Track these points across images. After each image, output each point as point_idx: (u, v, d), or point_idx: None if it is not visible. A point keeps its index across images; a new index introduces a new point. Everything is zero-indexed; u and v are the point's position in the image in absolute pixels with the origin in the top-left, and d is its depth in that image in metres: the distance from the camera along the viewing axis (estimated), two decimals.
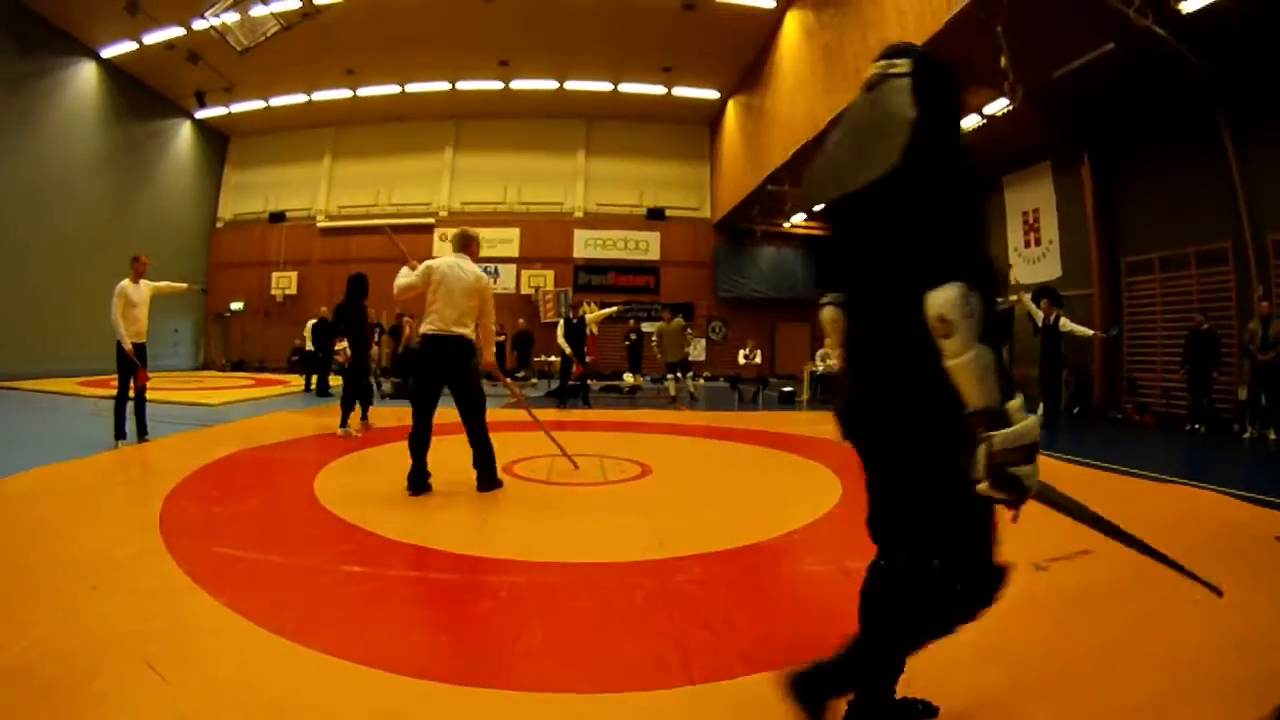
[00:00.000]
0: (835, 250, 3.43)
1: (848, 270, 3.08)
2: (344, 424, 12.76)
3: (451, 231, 32.27)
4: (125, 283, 10.94)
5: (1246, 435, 13.67)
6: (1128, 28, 12.34)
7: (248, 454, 10.10)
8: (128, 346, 10.76)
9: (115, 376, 10.98)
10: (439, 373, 7.96)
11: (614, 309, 23.16)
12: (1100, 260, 18.06)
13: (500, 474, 8.62)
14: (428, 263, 8.10)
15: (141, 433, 11.16)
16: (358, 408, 13.59)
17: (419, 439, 7.87)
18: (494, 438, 8.34)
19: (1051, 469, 9.94)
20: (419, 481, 7.81)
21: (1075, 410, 17.68)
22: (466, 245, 8.37)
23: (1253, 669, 3.78)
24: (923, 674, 3.64)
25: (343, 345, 14.75)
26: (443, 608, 4.72)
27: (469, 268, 8.12)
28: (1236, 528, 6.41)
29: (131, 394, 11.00)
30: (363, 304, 13.47)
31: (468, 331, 7.95)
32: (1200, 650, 3.95)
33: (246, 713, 3.20)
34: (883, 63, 2.86)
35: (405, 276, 8.16)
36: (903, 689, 3.28)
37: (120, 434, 10.75)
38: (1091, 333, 15.50)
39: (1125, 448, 12.94)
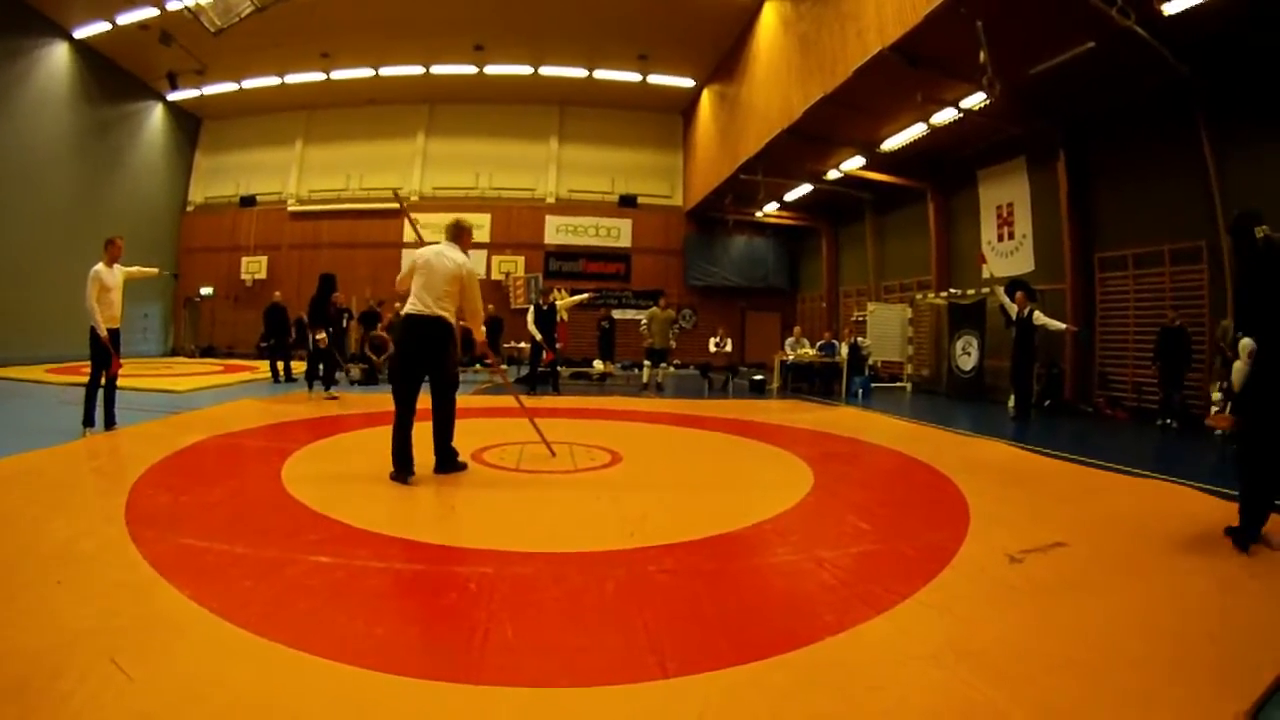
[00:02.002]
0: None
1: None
2: (310, 386, 16.58)
3: (422, 216, 32.23)
4: (100, 266, 10.61)
5: (1217, 432, 13.71)
6: (1109, 27, 12.37)
7: (215, 441, 9.95)
8: (102, 332, 10.46)
9: (84, 363, 10.74)
10: (417, 351, 7.99)
11: (584, 296, 23.21)
12: (1073, 255, 18.11)
13: (469, 461, 8.63)
14: (414, 253, 8.24)
15: (109, 422, 10.83)
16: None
17: (402, 424, 7.86)
18: (464, 424, 8.29)
19: (1021, 460, 10.00)
20: (404, 466, 7.78)
21: (1047, 403, 17.76)
22: (458, 235, 8.44)
23: (1228, 660, 3.79)
24: (897, 668, 3.63)
25: (322, 335, 16.38)
26: (411, 599, 4.63)
27: (454, 255, 8.17)
28: (1204, 521, 6.41)
29: (103, 381, 10.73)
30: (333, 299, 14.58)
31: (446, 314, 7.98)
32: (1175, 643, 3.95)
33: (212, 710, 3.10)
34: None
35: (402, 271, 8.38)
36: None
37: (89, 421, 10.49)
38: (1064, 326, 15.48)
39: (1096, 441, 13.00)
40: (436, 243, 8.32)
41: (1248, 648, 3.91)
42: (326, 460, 9.12)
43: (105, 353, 10.55)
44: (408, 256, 8.31)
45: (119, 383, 11.31)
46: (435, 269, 8.00)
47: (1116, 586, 4.83)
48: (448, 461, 8.22)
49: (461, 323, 8.55)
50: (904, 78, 16.45)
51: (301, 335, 20.05)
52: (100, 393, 10.75)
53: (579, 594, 4.61)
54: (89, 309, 10.42)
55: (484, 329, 8.89)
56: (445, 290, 7.99)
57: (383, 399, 12.00)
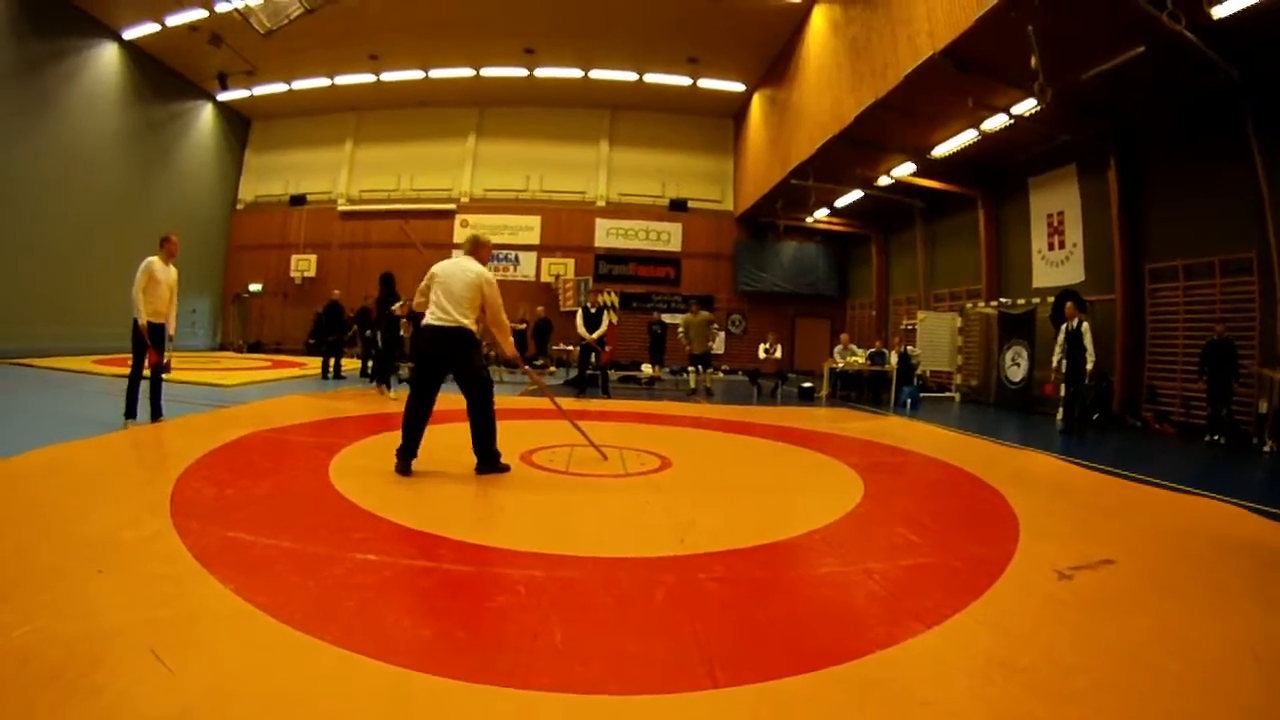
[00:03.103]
0: None
1: None
2: (383, 385, 16.72)
3: (472, 218, 32.38)
4: (154, 259, 10.67)
5: (1266, 449, 13.48)
6: (1159, 31, 12.21)
7: (262, 436, 9.99)
8: (142, 323, 10.48)
9: (144, 353, 10.68)
10: (435, 358, 8.25)
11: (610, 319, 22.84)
12: (1124, 266, 17.83)
13: (518, 463, 8.71)
14: (431, 269, 8.46)
15: (155, 414, 10.83)
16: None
17: (410, 422, 8.12)
18: (513, 425, 8.29)
19: (1070, 474, 9.88)
20: (404, 458, 8.05)
21: (1095, 416, 17.50)
22: (475, 249, 8.68)
23: (1273, 680, 3.76)
24: (947, 683, 3.57)
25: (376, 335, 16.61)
26: (459, 600, 4.55)
27: (472, 266, 8.38)
28: (1249, 541, 6.33)
29: (147, 373, 10.73)
30: (394, 297, 14.89)
31: (467, 322, 8.16)
32: (1221, 665, 3.90)
33: (252, 706, 3.10)
34: None
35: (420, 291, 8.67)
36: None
37: (131, 413, 10.50)
38: (1092, 362, 15.22)
39: (1144, 456, 12.81)
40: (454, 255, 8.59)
41: None
42: (375, 458, 9.11)
43: (143, 346, 10.57)
44: (458, 256, 8.43)
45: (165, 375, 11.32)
46: (455, 278, 8.20)
47: (1163, 606, 4.78)
48: (488, 462, 8.33)
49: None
50: (955, 83, 16.30)
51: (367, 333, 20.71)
52: (145, 385, 10.78)
53: (629, 600, 4.59)
54: (134, 297, 10.47)
55: (511, 340, 8.90)
56: (466, 298, 8.17)
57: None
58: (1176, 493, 8.77)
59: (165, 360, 11.01)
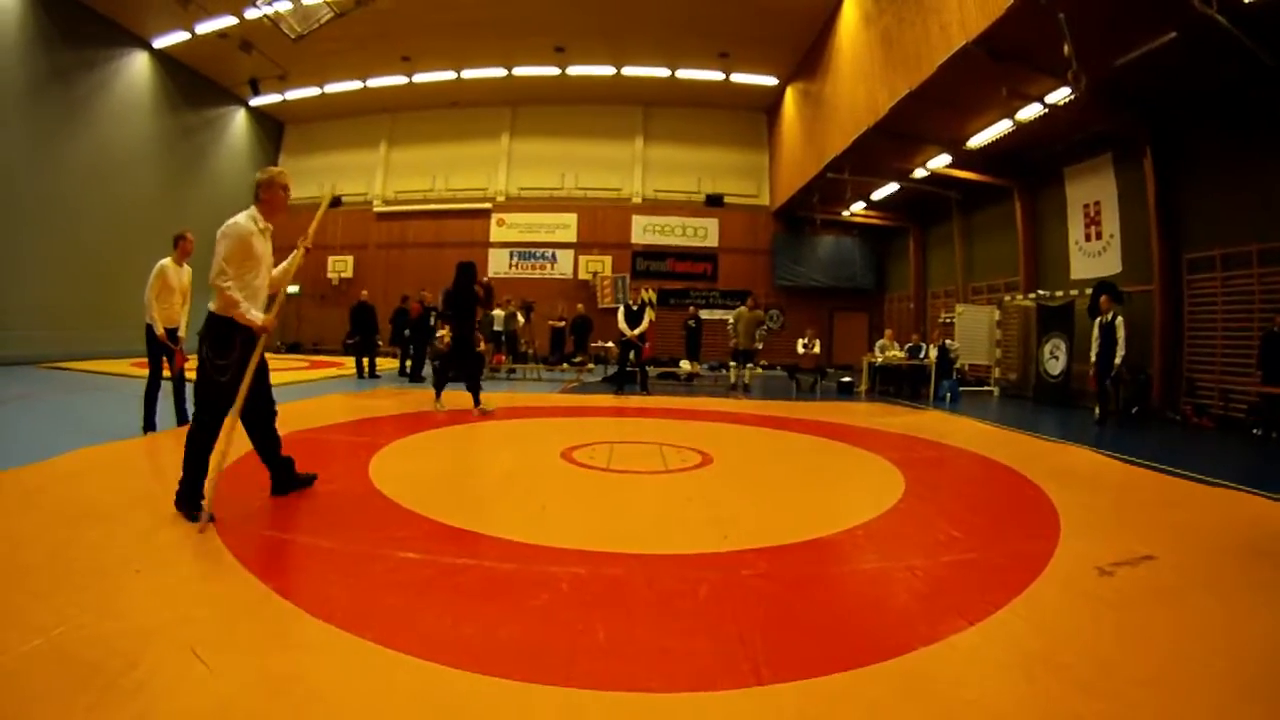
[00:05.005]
0: None
1: None
2: (477, 402, 13.70)
3: (509, 217, 32.46)
4: (166, 262, 10.18)
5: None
6: (1190, 15, 12.07)
7: (301, 435, 9.98)
8: (159, 330, 10.07)
9: (161, 360, 10.32)
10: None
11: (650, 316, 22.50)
12: (1161, 256, 17.60)
13: (558, 460, 8.74)
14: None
15: (181, 419, 10.18)
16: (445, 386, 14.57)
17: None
18: (553, 423, 8.20)
19: (1110, 468, 9.81)
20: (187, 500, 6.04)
21: (1133, 410, 17.33)
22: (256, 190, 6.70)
23: None
24: (989, 680, 3.56)
25: (444, 331, 15.34)
26: (501, 599, 4.52)
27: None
28: None
29: (169, 375, 10.38)
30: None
31: (212, 302, 6.19)
32: (1261, 662, 3.89)
33: (293, 704, 3.15)
34: None
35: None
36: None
37: (149, 425, 10.16)
38: (1121, 356, 15.14)
39: (1182, 450, 12.64)
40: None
41: None
42: (414, 457, 9.21)
43: (161, 352, 10.24)
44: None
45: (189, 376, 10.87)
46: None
47: (1204, 602, 4.76)
48: (285, 478, 6.87)
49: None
50: (988, 72, 16.20)
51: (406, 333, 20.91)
52: (170, 389, 10.43)
53: (671, 597, 4.61)
54: (146, 304, 10.04)
55: (233, 301, 6.11)
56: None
57: (470, 397, 12.15)
58: (1217, 488, 8.69)
59: (177, 365, 10.48)
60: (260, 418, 6.70)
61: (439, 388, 14.53)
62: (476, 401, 13.61)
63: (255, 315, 6.25)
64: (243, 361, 6.22)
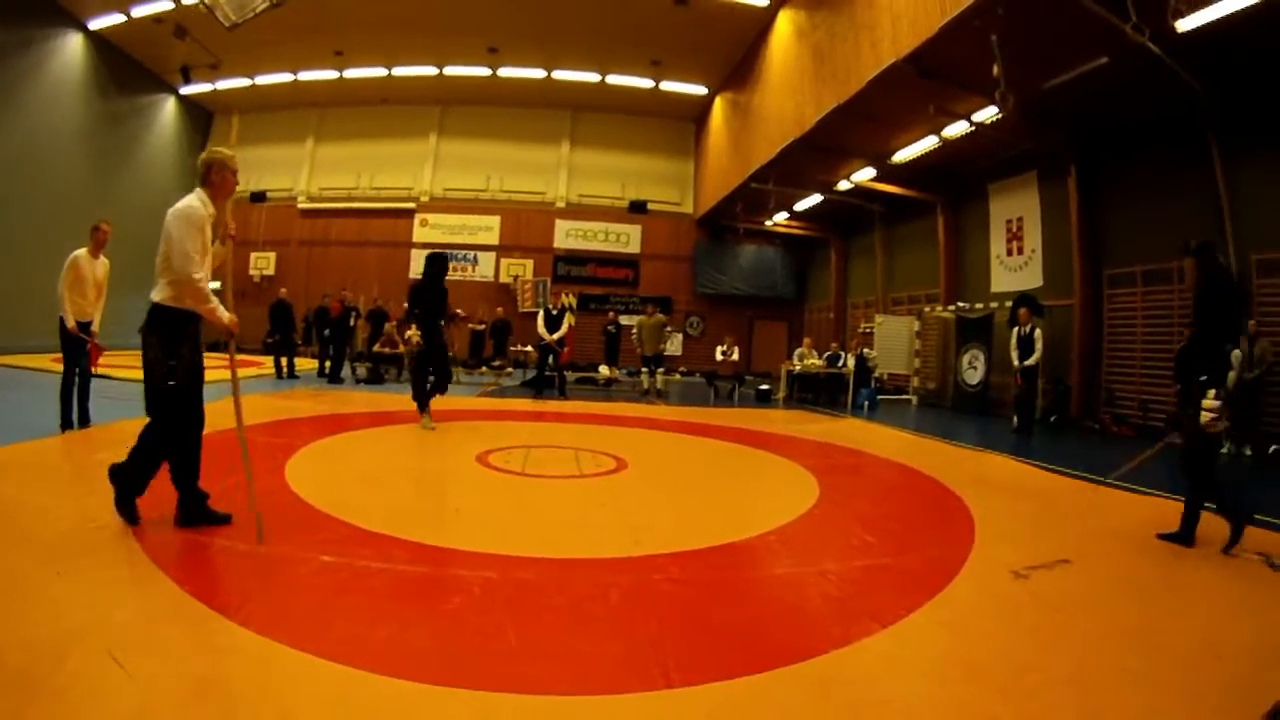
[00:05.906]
0: None
1: None
2: (423, 410, 12.19)
3: (432, 217, 32.24)
4: (80, 253, 9.83)
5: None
6: (1123, 43, 12.28)
7: (218, 437, 9.89)
8: (70, 324, 9.69)
9: (75, 355, 9.87)
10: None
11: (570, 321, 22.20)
12: (1083, 271, 18.00)
13: (473, 464, 8.63)
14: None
15: (83, 420, 9.94)
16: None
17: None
18: (471, 426, 8.21)
19: (1027, 475, 9.97)
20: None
21: (1052, 419, 17.67)
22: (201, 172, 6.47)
23: (1234, 676, 3.81)
24: (902, 683, 3.61)
25: (412, 332, 14.53)
26: (414, 602, 4.53)
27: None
28: (1208, 540, 6.39)
29: (96, 372, 10.16)
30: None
31: (156, 293, 5.99)
32: (1180, 661, 3.97)
33: (211, 709, 3.10)
34: None
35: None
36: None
37: (67, 423, 9.76)
38: (1037, 358, 15.46)
39: (1100, 458, 12.86)
40: None
41: (1255, 667, 3.93)
42: (331, 459, 9.11)
43: (77, 345, 9.81)
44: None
45: (99, 371, 10.66)
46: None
47: (1121, 604, 4.86)
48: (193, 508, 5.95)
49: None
50: (917, 89, 16.40)
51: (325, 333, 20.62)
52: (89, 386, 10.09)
53: (583, 601, 4.60)
54: (59, 296, 9.75)
55: (202, 296, 6.07)
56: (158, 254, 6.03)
57: (389, 399, 11.98)
58: (1132, 493, 8.93)
59: (93, 360, 10.11)
60: (191, 426, 6.21)
61: (421, 400, 12.27)
62: (424, 408, 12.14)
63: (224, 314, 6.12)
64: (194, 364, 6.03)
